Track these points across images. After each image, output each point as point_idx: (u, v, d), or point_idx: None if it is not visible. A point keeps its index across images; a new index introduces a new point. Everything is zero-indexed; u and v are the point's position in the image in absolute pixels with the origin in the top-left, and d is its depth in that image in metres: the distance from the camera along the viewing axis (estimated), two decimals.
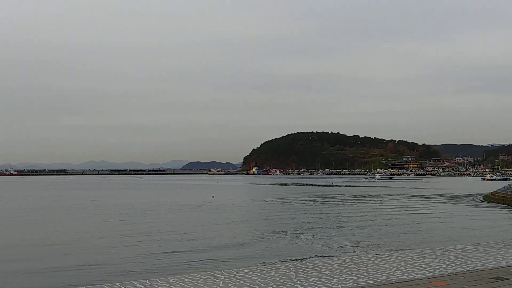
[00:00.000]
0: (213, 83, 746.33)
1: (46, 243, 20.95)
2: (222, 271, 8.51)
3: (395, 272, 8.57)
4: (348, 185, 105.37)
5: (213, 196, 58.36)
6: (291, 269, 8.82)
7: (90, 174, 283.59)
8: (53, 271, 14.82)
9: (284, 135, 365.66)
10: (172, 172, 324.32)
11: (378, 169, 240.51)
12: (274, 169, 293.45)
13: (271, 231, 24.83)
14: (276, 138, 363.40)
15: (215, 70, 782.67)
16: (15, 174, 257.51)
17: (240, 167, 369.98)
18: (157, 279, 7.58)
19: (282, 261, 14.75)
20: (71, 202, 48.57)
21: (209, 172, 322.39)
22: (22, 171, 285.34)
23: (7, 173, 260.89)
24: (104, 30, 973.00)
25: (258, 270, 8.66)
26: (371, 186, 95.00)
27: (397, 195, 62.07)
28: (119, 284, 7.11)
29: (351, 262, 9.59)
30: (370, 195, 62.60)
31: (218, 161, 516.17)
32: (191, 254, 17.75)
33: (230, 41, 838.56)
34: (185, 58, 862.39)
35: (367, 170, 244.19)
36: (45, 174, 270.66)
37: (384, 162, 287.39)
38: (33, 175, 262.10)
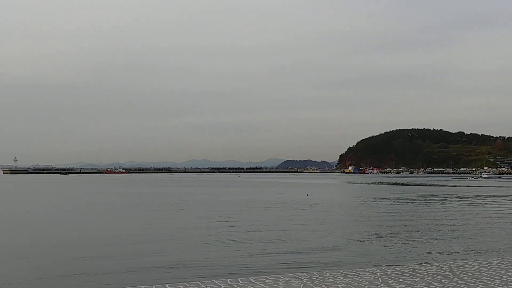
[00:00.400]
0: (310, 80, 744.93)
1: (142, 239, 22.02)
2: (305, 273, 8.33)
3: (493, 281, 7.85)
4: (451, 184, 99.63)
5: (307, 195, 58.16)
6: (378, 274, 8.41)
7: (192, 172, 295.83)
8: (143, 268, 15.40)
9: (382, 132, 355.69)
10: (268, 170, 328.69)
11: (485, 168, 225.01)
12: (371, 167, 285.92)
13: (364, 232, 24.11)
14: (373, 136, 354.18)
15: (312, 66, 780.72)
16: (123, 172, 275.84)
17: (335, 166, 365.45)
18: (238, 279, 7.60)
19: (371, 265, 14.23)
20: (172, 198, 50.95)
21: (304, 171, 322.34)
22: (130, 169, 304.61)
23: (116, 171, 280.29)
24: (206, 31, 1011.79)
25: (342, 274, 8.36)
26: (477, 186, 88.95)
27: (507, 196, 57.50)
28: (200, 283, 7.24)
29: (445, 269, 8.95)
30: (476, 195, 58.62)
31: (313, 160, 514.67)
32: (281, 255, 17.63)
33: (327, 36, 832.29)
34: (282, 55, 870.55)
35: (473, 169, 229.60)
36: (150, 172, 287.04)
37: (492, 160, 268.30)
38: (140, 173, 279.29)
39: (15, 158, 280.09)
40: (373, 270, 8.85)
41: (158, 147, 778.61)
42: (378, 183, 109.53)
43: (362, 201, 48.99)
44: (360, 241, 21.15)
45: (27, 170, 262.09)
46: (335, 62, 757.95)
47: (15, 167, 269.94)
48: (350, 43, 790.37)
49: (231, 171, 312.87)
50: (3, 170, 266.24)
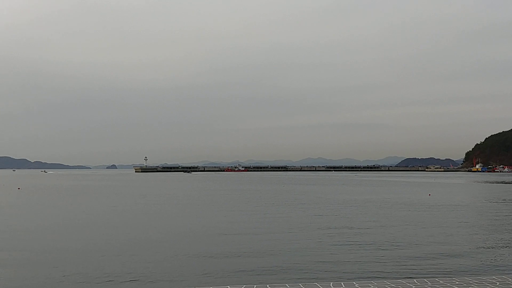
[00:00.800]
0: (431, 72, 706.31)
1: (254, 238, 22.49)
2: (415, 280, 7.92)
3: None
4: None
5: (429, 195, 55.32)
6: (497, 284, 7.72)
7: (308, 170, 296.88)
8: (250, 267, 15.57)
9: None
10: (387, 169, 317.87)
11: None
12: (501, 166, 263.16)
13: (489, 238, 22.20)
14: (503, 131, 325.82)
15: (432, 58, 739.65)
16: (243, 170, 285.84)
17: (461, 164, 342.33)
18: (342, 283, 7.45)
19: (490, 274, 13.02)
20: (287, 196, 51.47)
21: (426, 169, 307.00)
22: (249, 167, 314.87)
23: (236, 169, 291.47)
24: (324, 27, 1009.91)
25: (457, 282, 7.80)
26: None
27: None
28: (302, 285, 7.21)
29: None
30: None
31: (436, 158, 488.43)
32: (392, 259, 16.75)
33: (447, 25, 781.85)
34: (399, 48, 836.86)
35: None
36: (267, 170, 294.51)
37: None
38: (258, 171, 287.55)
39: (145, 157, 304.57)
40: (492, 279, 8.15)
41: (275, 146, 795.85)
42: (509, 183, 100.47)
43: (490, 203, 45.27)
44: (483, 247, 19.51)
45: (156, 169, 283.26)
46: (459, 53, 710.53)
47: (146, 165, 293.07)
48: (475, 32, 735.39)
49: (348, 169, 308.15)
50: (135, 169, 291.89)
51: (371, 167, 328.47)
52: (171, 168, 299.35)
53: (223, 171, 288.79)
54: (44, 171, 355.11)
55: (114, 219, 31.22)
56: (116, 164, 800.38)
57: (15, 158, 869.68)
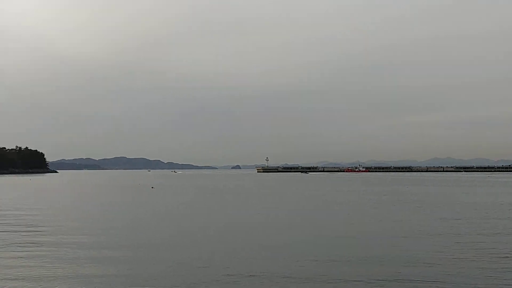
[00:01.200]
0: None
1: (374, 243, 22.06)
2: None
3: None
4: None
5: None
6: None
7: (434, 171, 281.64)
8: (359, 277, 15.40)
9: None
10: None
11: None
12: None
13: None
14: None
15: None
16: (363, 171, 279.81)
17: None
18: None
19: None
20: (410, 197, 49.41)
21: None
22: (370, 168, 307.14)
23: (356, 169, 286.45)
24: (446, 21, 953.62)
25: None
26: None
27: None
28: None
29: None
30: None
31: None
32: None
33: None
34: None
35: None
36: (390, 171, 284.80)
37: None
38: (380, 171, 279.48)
39: (267, 158, 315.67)
40: None
41: (398, 145, 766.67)
42: None
43: None
44: None
45: (276, 169, 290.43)
46: None
47: (267, 166, 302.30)
48: None
49: (479, 170, 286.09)
50: (257, 169, 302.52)
51: (506, 168, 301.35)
52: (291, 168, 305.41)
53: (343, 171, 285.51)
54: (174, 171, 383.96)
55: (234, 219, 32.65)
56: (240, 165, 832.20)
57: (150, 159, 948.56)
